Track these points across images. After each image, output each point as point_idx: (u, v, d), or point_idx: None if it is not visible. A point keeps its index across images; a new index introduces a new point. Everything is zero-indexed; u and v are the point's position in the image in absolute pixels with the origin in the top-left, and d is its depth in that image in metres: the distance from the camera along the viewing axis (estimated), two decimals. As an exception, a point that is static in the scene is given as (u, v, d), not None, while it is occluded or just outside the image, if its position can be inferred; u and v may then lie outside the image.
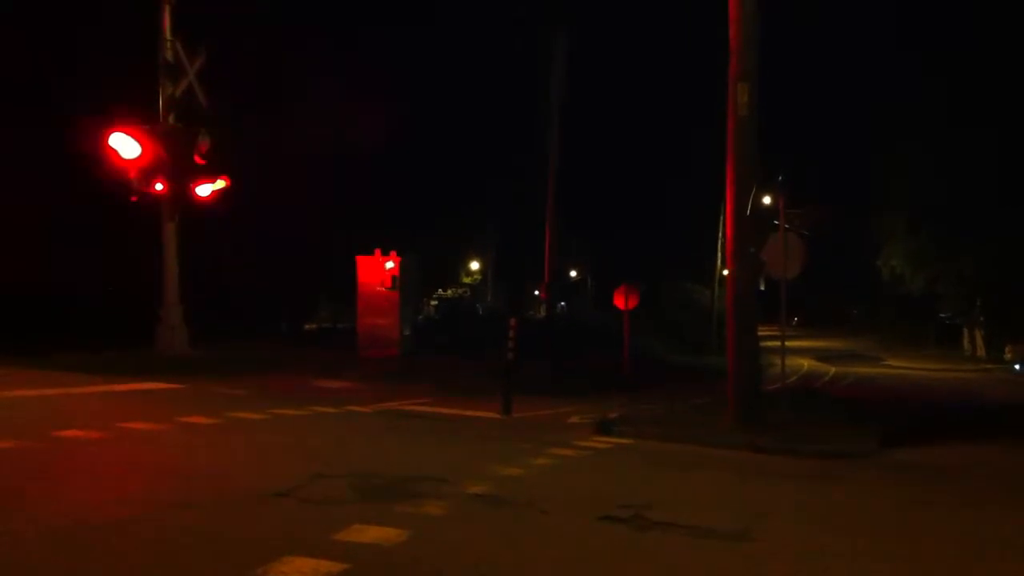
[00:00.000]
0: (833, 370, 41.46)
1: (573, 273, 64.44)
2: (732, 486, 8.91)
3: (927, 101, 48.05)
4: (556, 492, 7.68)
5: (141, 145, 16.95)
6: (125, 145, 16.82)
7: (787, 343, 15.53)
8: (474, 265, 62.62)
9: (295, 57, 25.76)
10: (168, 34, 19.04)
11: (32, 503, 6.27)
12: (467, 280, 61.02)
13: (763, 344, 15.54)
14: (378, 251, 26.65)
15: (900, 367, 44.71)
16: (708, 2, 15.23)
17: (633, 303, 26.69)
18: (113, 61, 20.28)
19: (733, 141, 12.97)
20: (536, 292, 49.52)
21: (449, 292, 53.49)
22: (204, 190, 17.67)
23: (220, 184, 17.76)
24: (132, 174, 17.10)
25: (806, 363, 43.85)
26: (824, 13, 48.83)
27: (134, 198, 17.44)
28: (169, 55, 18.94)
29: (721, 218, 37.25)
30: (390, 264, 26.39)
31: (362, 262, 26.69)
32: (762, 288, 17.78)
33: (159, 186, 17.50)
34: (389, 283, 26.35)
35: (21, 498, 6.42)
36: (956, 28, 50.32)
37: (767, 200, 28.47)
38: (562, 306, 54.49)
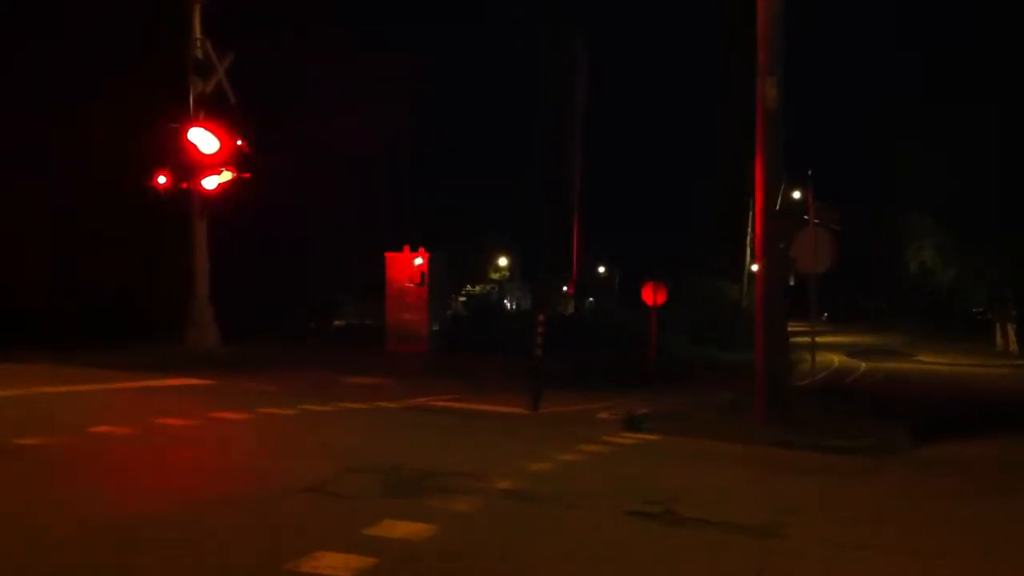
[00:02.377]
0: (864, 365, 41.14)
1: (601, 269, 64.37)
2: (761, 482, 8.88)
3: (929, 101, 47.92)
4: (584, 487, 7.69)
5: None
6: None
7: (817, 339, 15.44)
8: (502, 261, 62.68)
9: (313, 57, 25.82)
10: (198, 33, 19.19)
11: (68, 498, 6.35)
12: (495, 276, 61.08)
13: (793, 340, 15.46)
14: (407, 247, 26.74)
15: (931, 362, 44.28)
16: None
17: (661, 298, 26.66)
18: (137, 61, 20.45)
19: (762, 135, 12.92)
20: (564, 288, 49.53)
21: (477, 288, 53.53)
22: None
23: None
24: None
25: (836, 359, 43.51)
26: (827, 13, 48.66)
27: (164, 190, 17.68)
28: (199, 53, 19.09)
29: (750, 213, 37.08)
30: (419, 260, 26.48)
31: (391, 259, 26.82)
32: (792, 283, 17.70)
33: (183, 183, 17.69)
34: (418, 279, 26.44)
35: (57, 493, 6.50)
36: (956, 27, 50.18)
37: (796, 195, 28.35)
38: (590, 302, 54.48)
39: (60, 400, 11.60)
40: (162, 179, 17.72)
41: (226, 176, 17.76)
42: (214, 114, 18.63)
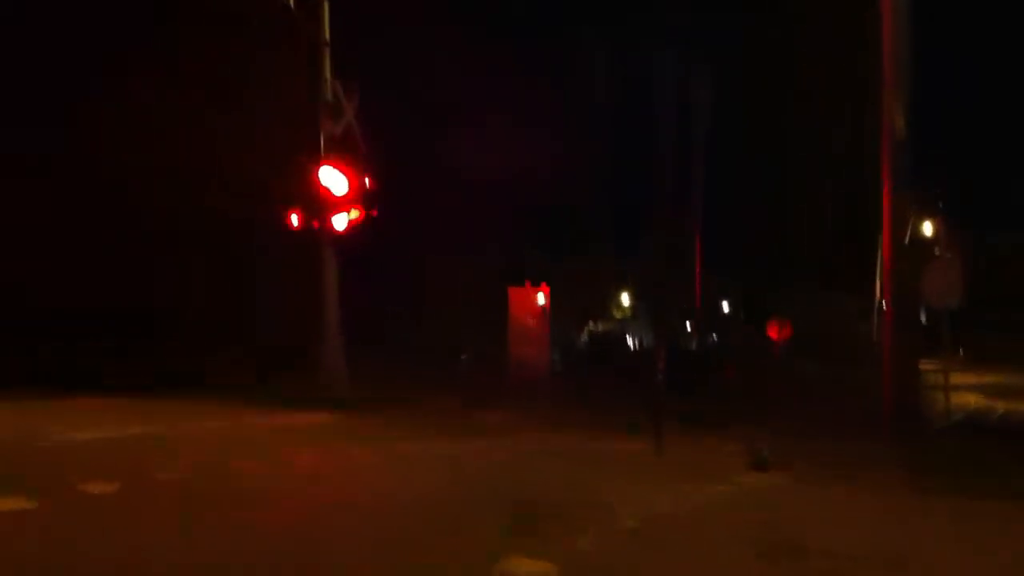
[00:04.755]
0: (1003, 407, 39.38)
1: (725, 305, 63.52)
2: (895, 527, 8.58)
3: None
4: (711, 528, 7.59)
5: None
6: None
7: (953, 378, 14.88)
8: (625, 300, 62.50)
9: (439, 87, 26.29)
10: (328, 75, 19.76)
11: (203, 532, 6.59)
12: (618, 314, 60.96)
13: (926, 379, 14.94)
14: (528, 282, 26.90)
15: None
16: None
17: (786, 334, 26.24)
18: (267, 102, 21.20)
19: (889, 167, 12.65)
20: (688, 325, 49.06)
21: (600, 326, 53.50)
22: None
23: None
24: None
25: (973, 399, 41.77)
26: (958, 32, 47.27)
27: (300, 228, 18.18)
28: (330, 95, 19.64)
29: (879, 248, 36.12)
30: (540, 295, 26.62)
31: (513, 293, 27.01)
32: (923, 320, 17.15)
33: (315, 222, 18.10)
34: (539, 313, 26.57)
35: (196, 526, 6.75)
36: None
37: (927, 228, 27.37)
38: (713, 337, 53.78)
39: (194, 437, 12.08)
40: (294, 218, 18.19)
41: (355, 214, 18.19)
42: (344, 154, 19.15)
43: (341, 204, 17.92)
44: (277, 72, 21.43)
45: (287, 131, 19.75)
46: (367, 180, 18.25)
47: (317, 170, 17.68)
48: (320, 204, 18.21)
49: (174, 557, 5.80)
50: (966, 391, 44.39)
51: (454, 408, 18.23)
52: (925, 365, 17.74)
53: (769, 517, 8.63)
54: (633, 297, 61.93)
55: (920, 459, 11.98)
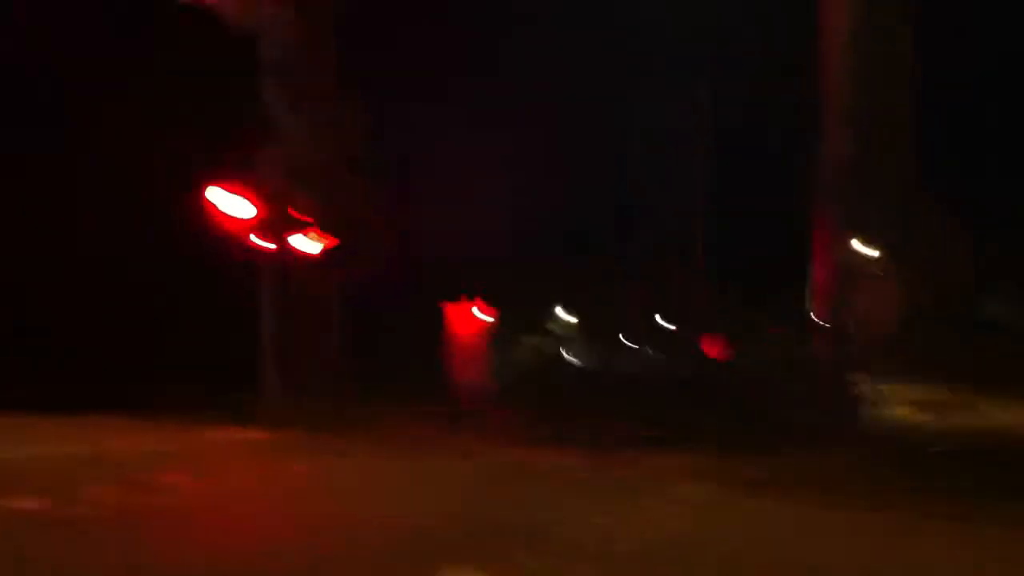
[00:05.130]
0: (937, 421, 39.92)
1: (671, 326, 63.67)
2: (888, 551, 8.42)
3: None
4: (670, 549, 7.54)
5: (252, 203, 17.37)
6: (233, 203, 17.26)
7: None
8: (566, 315, 62.26)
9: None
10: (269, 92, 19.45)
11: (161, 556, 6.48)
12: (558, 328, 60.71)
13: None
14: (465, 297, 26.53)
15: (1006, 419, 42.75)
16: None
17: (721, 351, 26.61)
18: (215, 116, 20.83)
19: (826, 189, 12.86)
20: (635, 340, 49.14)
21: (540, 341, 53.30)
22: (310, 247, 18.00)
23: (322, 241, 18.05)
24: (240, 231, 17.49)
25: (907, 412, 42.36)
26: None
27: (243, 254, 17.86)
28: (270, 112, 19.32)
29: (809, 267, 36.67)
30: (480, 311, 26.34)
31: (450, 309, 26.63)
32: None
33: (266, 243, 17.83)
34: (480, 331, 26.35)
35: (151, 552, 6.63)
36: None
37: (861, 248, 27.87)
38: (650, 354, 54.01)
39: (147, 455, 11.85)
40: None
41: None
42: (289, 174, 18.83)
43: (298, 226, 17.64)
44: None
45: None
46: (310, 200, 18.08)
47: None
48: (279, 224, 17.86)
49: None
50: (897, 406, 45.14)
51: (399, 427, 18.10)
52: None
53: (736, 539, 8.51)
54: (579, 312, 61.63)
55: (906, 479, 11.90)
